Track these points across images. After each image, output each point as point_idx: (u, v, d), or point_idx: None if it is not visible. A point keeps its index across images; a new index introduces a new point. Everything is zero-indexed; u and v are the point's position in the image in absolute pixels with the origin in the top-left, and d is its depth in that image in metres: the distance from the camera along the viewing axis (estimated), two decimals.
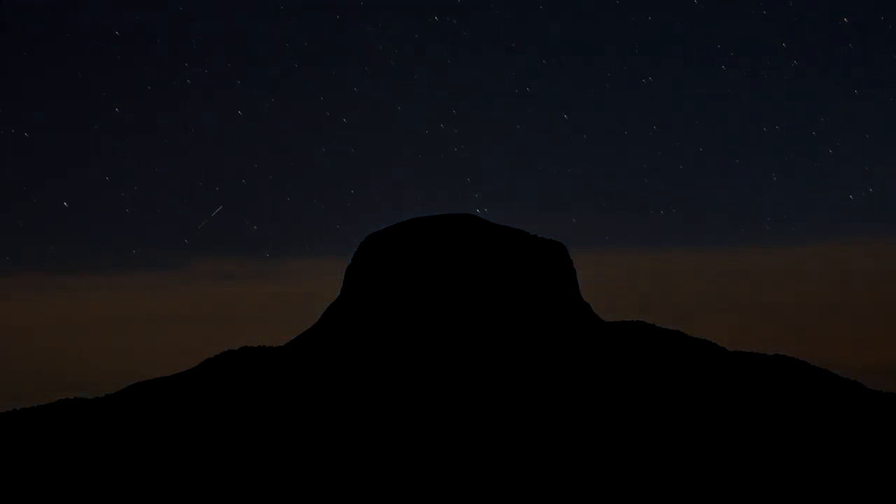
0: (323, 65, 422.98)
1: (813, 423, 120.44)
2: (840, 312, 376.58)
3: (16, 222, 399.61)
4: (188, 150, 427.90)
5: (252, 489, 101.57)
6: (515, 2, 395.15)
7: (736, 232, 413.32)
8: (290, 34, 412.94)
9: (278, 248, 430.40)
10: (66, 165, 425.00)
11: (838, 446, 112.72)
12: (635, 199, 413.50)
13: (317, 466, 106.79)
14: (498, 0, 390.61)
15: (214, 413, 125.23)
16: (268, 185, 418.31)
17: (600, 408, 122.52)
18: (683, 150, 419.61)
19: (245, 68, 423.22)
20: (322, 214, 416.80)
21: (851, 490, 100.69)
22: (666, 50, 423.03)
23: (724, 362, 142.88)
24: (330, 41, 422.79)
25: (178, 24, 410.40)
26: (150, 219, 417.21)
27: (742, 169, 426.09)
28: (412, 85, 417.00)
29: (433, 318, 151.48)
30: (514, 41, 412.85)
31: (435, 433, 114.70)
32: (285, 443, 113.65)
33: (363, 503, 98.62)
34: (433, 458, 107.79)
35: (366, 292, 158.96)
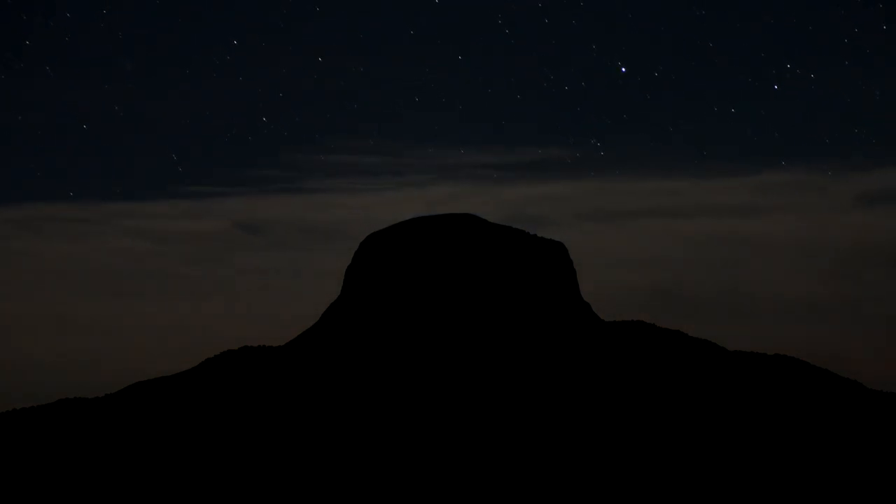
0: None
1: (813, 423, 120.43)
2: None
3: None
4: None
5: (252, 489, 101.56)
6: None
7: None
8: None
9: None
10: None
11: (838, 446, 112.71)
12: None
13: (317, 466, 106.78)
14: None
15: (214, 413, 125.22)
16: None
17: (600, 407, 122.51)
18: None
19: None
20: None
21: (851, 490, 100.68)
22: None
23: (724, 362, 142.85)
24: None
25: None
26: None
27: None
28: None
29: (433, 318, 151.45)
30: None
31: (435, 433, 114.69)
32: (285, 443, 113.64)
33: (363, 503, 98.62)
34: (433, 457, 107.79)
35: (366, 292, 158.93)
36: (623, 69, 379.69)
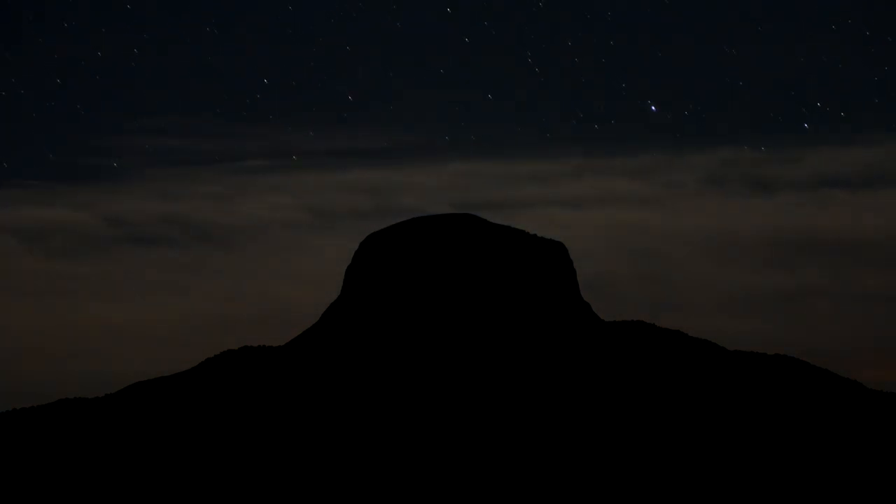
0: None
1: (813, 423, 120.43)
2: None
3: None
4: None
5: (252, 489, 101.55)
6: None
7: None
8: None
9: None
10: None
11: (838, 446, 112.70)
12: None
13: (317, 466, 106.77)
14: None
15: (214, 413, 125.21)
16: None
17: (600, 407, 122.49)
18: None
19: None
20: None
21: (851, 490, 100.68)
22: None
23: (724, 362, 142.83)
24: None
25: None
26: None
27: None
28: None
29: (433, 318, 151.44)
30: None
31: (435, 433, 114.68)
32: (285, 443, 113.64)
33: (363, 503, 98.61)
34: (433, 457, 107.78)
35: (366, 292, 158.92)
36: (653, 108, 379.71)
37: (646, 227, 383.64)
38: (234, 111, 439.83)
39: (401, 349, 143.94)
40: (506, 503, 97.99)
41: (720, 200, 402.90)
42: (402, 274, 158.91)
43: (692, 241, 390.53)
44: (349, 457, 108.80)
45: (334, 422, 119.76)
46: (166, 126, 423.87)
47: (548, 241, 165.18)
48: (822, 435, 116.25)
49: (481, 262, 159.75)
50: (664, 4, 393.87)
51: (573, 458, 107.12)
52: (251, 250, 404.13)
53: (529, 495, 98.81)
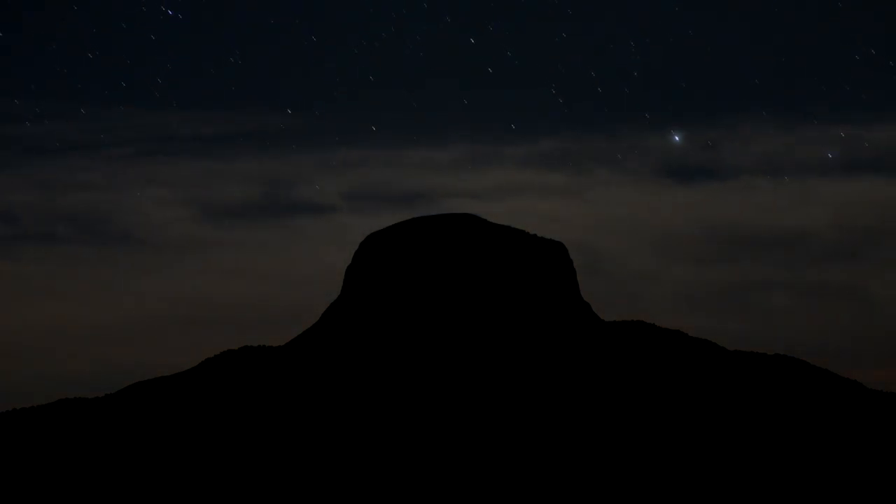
0: None
1: (813, 423, 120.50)
2: None
3: None
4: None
5: (252, 489, 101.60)
6: None
7: None
8: None
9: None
10: None
11: (838, 446, 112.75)
12: None
13: (317, 466, 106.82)
14: None
15: (214, 413, 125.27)
16: None
17: (600, 407, 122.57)
18: None
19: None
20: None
21: (851, 490, 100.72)
22: None
23: (724, 362, 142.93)
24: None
25: None
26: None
27: None
28: None
29: (433, 318, 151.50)
30: None
31: (435, 433, 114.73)
32: (285, 443, 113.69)
33: (363, 503, 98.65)
34: (433, 457, 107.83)
35: (366, 292, 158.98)
36: (676, 138, 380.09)
37: (568, 218, 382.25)
38: (103, 96, 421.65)
39: (401, 349, 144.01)
40: (506, 503, 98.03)
41: (646, 190, 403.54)
42: (402, 274, 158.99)
43: (622, 232, 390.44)
44: (349, 457, 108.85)
45: (334, 422, 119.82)
46: (26, 112, 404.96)
47: (548, 241, 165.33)
48: (822, 435, 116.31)
49: (481, 262, 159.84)
50: (688, 35, 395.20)
51: (574, 458, 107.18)
52: (155, 246, 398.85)
53: (529, 495, 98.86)
